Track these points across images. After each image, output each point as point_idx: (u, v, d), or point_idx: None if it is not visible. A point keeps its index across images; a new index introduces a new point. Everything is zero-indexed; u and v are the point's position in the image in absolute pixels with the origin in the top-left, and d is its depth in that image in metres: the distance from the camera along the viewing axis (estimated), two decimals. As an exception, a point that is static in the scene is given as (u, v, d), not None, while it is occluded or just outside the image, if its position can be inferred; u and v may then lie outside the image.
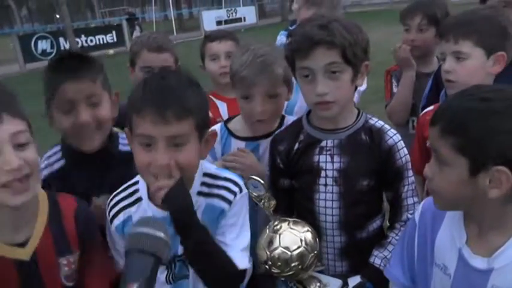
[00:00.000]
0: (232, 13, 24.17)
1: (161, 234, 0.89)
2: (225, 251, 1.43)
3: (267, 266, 1.42)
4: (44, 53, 17.23)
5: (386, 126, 1.64)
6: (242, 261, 1.46)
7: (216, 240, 1.44)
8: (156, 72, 1.44)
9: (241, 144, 1.86)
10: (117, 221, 1.49)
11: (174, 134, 1.28)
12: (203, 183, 1.47)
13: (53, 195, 1.45)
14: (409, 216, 1.62)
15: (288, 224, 1.45)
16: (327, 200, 1.63)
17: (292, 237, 1.43)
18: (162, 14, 35.13)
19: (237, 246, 1.47)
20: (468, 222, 1.25)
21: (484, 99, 1.11)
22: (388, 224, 1.74)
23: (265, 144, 1.85)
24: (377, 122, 1.65)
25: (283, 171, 1.71)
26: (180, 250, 1.45)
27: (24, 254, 1.34)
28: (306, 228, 1.47)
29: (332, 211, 1.63)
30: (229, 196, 1.46)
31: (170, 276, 1.51)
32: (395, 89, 2.66)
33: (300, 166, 1.66)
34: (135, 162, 1.36)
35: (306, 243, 1.42)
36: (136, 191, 1.50)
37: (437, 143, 1.15)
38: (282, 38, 4.04)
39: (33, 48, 17.11)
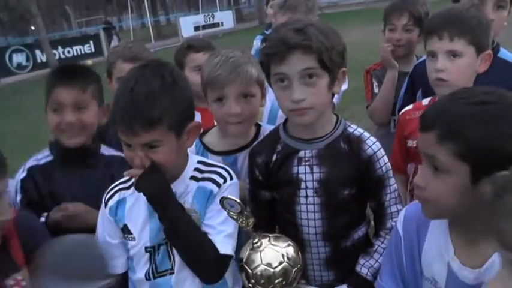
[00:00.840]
0: (209, 18, 24.11)
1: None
2: (205, 232, 1.52)
3: (250, 285, 1.39)
4: (19, 66, 16.98)
5: (366, 134, 1.60)
6: (225, 246, 1.51)
7: (203, 224, 1.53)
8: (127, 80, 1.46)
9: (218, 159, 1.81)
10: (112, 202, 1.59)
11: (145, 142, 1.42)
12: (196, 169, 1.58)
13: None
14: (393, 224, 1.57)
15: (269, 241, 1.43)
16: (309, 211, 1.60)
17: (273, 253, 1.40)
18: (139, 22, 34.89)
19: (221, 232, 1.53)
20: (455, 232, 1.22)
21: (481, 102, 1.08)
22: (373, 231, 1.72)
23: (242, 158, 1.82)
24: (356, 130, 1.61)
25: (262, 183, 1.67)
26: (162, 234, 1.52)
27: None
28: (287, 242, 1.44)
29: (314, 222, 1.60)
30: (219, 180, 1.56)
31: (151, 271, 1.54)
32: (376, 89, 2.65)
33: (279, 178, 1.62)
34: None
35: (288, 258, 1.40)
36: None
37: (433, 149, 1.11)
38: (257, 43, 4.02)
39: (7, 61, 16.80)
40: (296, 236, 1.61)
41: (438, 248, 1.24)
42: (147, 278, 1.55)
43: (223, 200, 1.34)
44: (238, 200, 1.33)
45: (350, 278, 1.61)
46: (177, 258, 1.53)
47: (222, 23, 24.44)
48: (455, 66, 1.75)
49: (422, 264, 1.29)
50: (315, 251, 1.64)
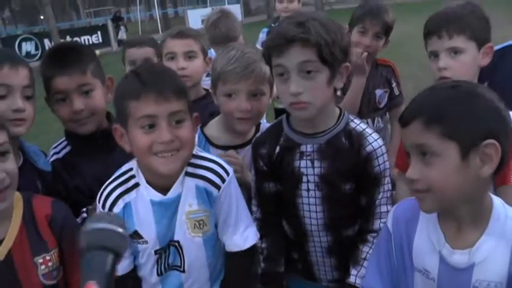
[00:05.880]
0: (217, 12, 24.07)
1: (119, 229, 0.87)
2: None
3: None
4: (28, 55, 17.04)
5: (368, 130, 1.58)
6: (248, 239, 1.59)
7: (220, 227, 1.57)
8: (141, 64, 1.51)
9: (219, 152, 1.82)
10: (117, 209, 1.50)
11: (174, 110, 1.38)
12: (189, 164, 1.52)
13: (28, 197, 1.48)
14: (382, 225, 1.58)
15: None
16: (311, 204, 1.61)
17: None
18: (147, 14, 34.89)
19: (239, 227, 1.58)
20: (445, 221, 1.26)
21: (454, 86, 1.18)
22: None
23: (243, 154, 1.84)
24: (358, 125, 1.58)
25: (267, 173, 1.67)
26: (176, 235, 1.51)
27: None
28: None
29: (316, 215, 1.62)
30: (216, 180, 1.52)
31: (162, 267, 1.54)
32: (338, 92, 2.48)
33: (282, 170, 1.63)
34: (134, 148, 1.43)
35: None
36: (132, 177, 1.52)
37: (421, 137, 1.16)
38: (263, 36, 4.06)
39: (17, 50, 16.88)
40: (299, 227, 1.65)
41: (429, 239, 1.28)
42: (159, 274, 1.54)
43: None
44: None
45: None
46: (188, 259, 1.54)
47: (230, 16, 24.38)
48: (458, 63, 1.75)
49: (414, 257, 1.32)
50: (317, 240, 1.66)
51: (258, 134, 1.84)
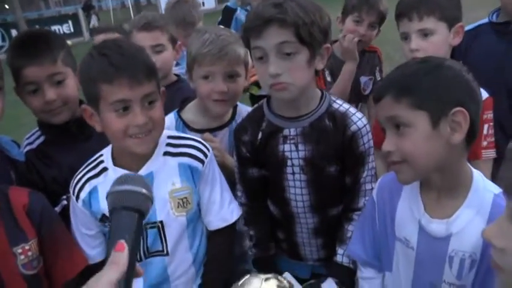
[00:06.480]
0: (191, -2, 23.76)
1: (142, 189, 0.89)
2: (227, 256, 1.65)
3: None
4: (-6, 46, 16.51)
5: (351, 110, 1.58)
6: (232, 213, 1.64)
7: (203, 203, 1.59)
8: (105, 43, 1.47)
9: (197, 136, 1.79)
10: (83, 194, 1.50)
11: (147, 92, 1.39)
12: (168, 144, 1.55)
13: (3, 189, 1.45)
14: (365, 203, 1.61)
15: (260, 284, 1.31)
16: (296, 187, 1.63)
17: None
18: (119, 2, 34.12)
19: (224, 202, 1.62)
20: (425, 190, 1.31)
21: (422, 61, 1.24)
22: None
23: (220, 136, 1.85)
24: (341, 106, 1.58)
25: (250, 160, 1.68)
26: (158, 216, 1.50)
27: None
28: (277, 283, 1.33)
29: (302, 197, 1.64)
30: (199, 155, 1.56)
31: (141, 251, 1.52)
32: (328, 77, 2.60)
33: (266, 155, 1.63)
34: (107, 130, 1.42)
35: None
36: (101, 162, 1.53)
37: (392, 110, 1.20)
38: (241, 16, 4.02)
39: (-18, 41, 16.37)
40: (286, 210, 1.67)
41: (410, 208, 1.32)
42: (138, 260, 1.49)
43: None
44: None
45: (333, 269, 1.65)
46: (170, 240, 1.53)
47: (203, 3, 23.90)
48: (429, 44, 1.79)
49: (396, 226, 1.36)
50: (304, 222, 1.69)
51: (237, 118, 1.85)
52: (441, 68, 1.20)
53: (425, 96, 1.17)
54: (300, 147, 1.57)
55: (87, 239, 1.56)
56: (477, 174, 1.27)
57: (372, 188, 1.59)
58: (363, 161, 1.60)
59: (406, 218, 1.33)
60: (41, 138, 1.80)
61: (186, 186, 1.53)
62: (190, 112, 1.91)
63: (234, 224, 1.65)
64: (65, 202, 1.70)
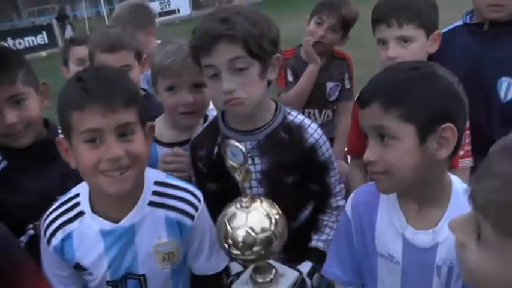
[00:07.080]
0: (165, 5, 23.53)
1: None
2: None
3: (226, 245, 1.26)
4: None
5: (306, 122, 1.59)
6: (220, 263, 1.55)
7: (193, 253, 1.50)
8: (86, 68, 1.40)
9: (168, 151, 1.78)
10: (56, 240, 1.38)
11: (123, 122, 1.23)
12: (155, 193, 1.41)
13: None
14: (338, 202, 1.63)
15: (261, 204, 1.27)
16: None
17: (261, 218, 1.24)
18: (93, 11, 33.75)
19: (213, 252, 1.52)
20: (405, 202, 1.27)
21: (412, 68, 1.17)
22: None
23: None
24: (296, 118, 1.59)
25: (207, 175, 1.64)
26: (141, 269, 1.41)
27: None
28: (279, 212, 1.30)
29: None
30: (190, 210, 1.43)
31: None
32: (290, 77, 2.61)
33: (222, 171, 1.55)
34: (78, 165, 1.28)
35: (274, 227, 1.25)
36: (77, 204, 1.40)
37: (378, 120, 1.15)
38: None
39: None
40: None
41: (391, 222, 1.28)
42: None
43: (226, 146, 1.20)
44: (243, 150, 1.19)
45: (308, 254, 1.63)
46: None
47: (178, 9, 23.97)
48: (407, 51, 1.78)
49: (376, 242, 1.32)
50: None
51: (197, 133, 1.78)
52: (434, 77, 1.15)
53: (415, 108, 1.12)
54: (257, 160, 1.56)
55: (62, 279, 1.45)
56: (455, 180, 1.26)
57: (341, 189, 1.64)
58: (327, 168, 1.63)
59: (388, 233, 1.29)
60: (3, 163, 1.67)
61: (173, 241, 1.43)
62: (159, 126, 1.83)
63: (221, 272, 1.57)
64: (31, 232, 1.60)
